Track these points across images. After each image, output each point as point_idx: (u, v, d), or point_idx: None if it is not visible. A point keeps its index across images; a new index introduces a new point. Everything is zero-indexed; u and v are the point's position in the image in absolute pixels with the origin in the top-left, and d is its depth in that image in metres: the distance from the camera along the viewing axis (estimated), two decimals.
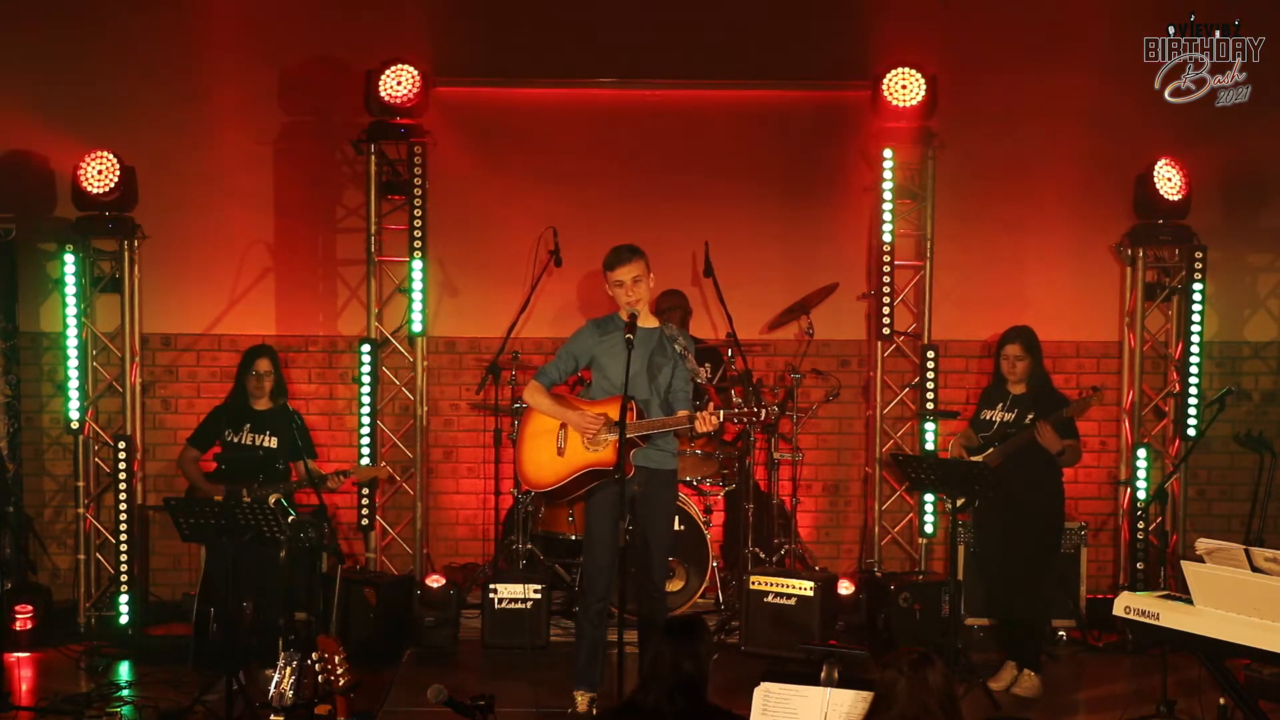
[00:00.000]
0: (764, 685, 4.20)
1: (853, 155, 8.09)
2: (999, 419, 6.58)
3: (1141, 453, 7.70)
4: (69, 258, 7.47)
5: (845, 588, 7.36)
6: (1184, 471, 7.74)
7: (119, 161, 7.39)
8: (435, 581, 7.22)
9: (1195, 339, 7.74)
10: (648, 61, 8.02)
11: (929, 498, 7.83)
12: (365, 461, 7.64)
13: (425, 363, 7.90)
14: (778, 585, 6.92)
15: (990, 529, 6.66)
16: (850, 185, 8.13)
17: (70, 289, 7.50)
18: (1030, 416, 6.40)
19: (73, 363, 7.55)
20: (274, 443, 6.84)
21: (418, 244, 7.70)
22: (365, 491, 7.74)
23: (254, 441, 6.82)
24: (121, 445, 7.51)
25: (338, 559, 6.80)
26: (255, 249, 8.10)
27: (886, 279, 7.80)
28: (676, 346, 5.85)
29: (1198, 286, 7.71)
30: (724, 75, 8.04)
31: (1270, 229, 8.23)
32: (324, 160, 8.11)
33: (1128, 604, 5.05)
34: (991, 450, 6.51)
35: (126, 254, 7.56)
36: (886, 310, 7.81)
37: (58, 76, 7.92)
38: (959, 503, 6.63)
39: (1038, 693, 6.42)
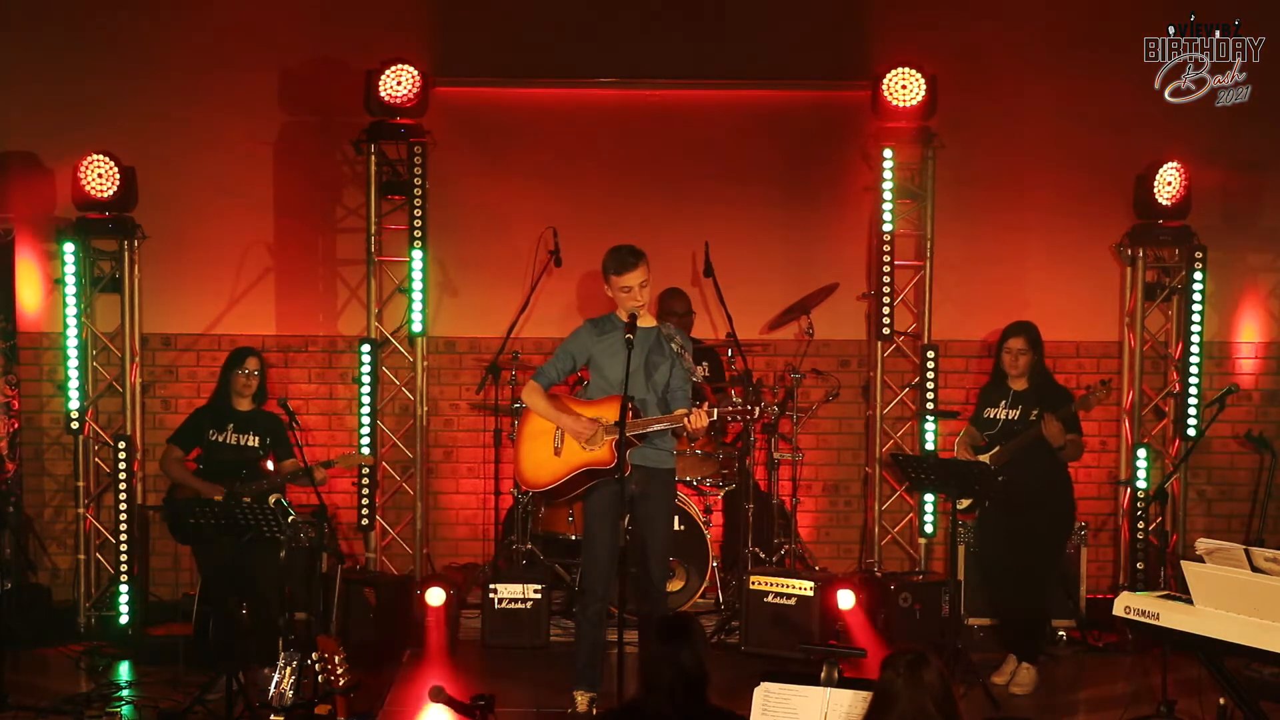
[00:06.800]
0: (764, 685, 4.20)
1: (853, 155, 8.09)
2: (1003, 416, 6.57)
3: (1141, 453, 7.70)
4: (69, 258, 7.48)
5: (846, 600, 7.15)
6: (1184, 471, 7.74)
7: (119, 162, 7.39)
8: (436, 597, 6.97)
9: (1195, 339, 7.74)
10: (648, 61, 8.01)
11: (929, 497, 7.83)
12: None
13: (425, 363, 7.90)
14: (778, 585, 6.92)
15: (997, 525, 6.64)
16: (850, 185, 8.12)
17: (70, 289, 7.51)
18: (1035, 412, 6.40)
19: (73, 363, 7.55)
20: (256, 441, 6.83)
21: (418, 244, 7.70)
22: (365, 491, 7.73)
23: (238, 441, 6.81)
24: (121, 445, 7.51)
25: (338, 559, 6.80)
26: (255, 249, 8.10)
27: (886, 279, 7.80)
28: (674, 345, 5.85)
29: (1198, 287, 7.71)
30: (724, 75, 8.04)
31: (1270, 229, 8.22)
32: (324, 160, 8.10)
33: (1128, 604, 5.05)
34: (998, 448, 6.51)
35: (126, 254, 7.57)
36: (886, 310, 7.81)
37: (58, 76, 7.92)
38: (966, 503, 6.63)
39: (1033, 688, 6.43)
